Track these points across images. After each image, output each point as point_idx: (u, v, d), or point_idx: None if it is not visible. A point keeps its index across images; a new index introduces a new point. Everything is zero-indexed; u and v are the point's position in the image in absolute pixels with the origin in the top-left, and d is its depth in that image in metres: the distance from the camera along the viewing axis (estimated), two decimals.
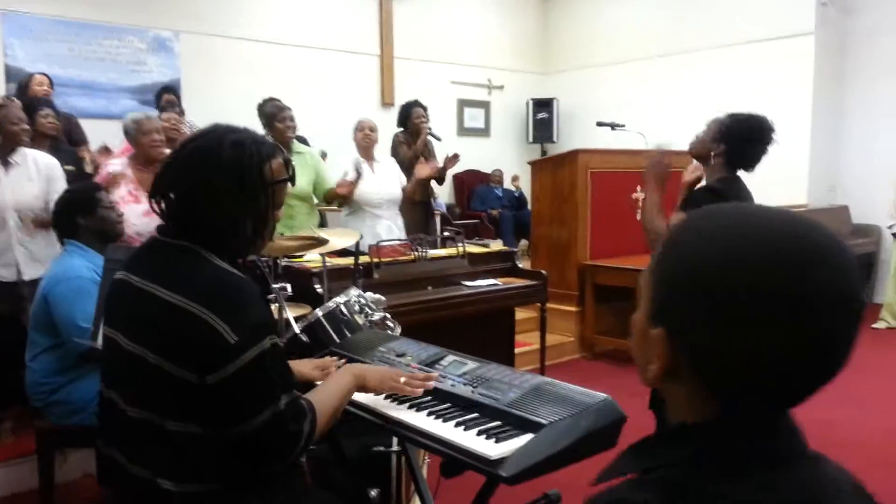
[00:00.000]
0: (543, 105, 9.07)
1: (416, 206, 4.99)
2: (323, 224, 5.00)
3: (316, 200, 4.45)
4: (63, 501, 2.81)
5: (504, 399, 1.53)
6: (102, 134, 5.09)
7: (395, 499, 2.21)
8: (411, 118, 5.02)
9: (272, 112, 4.17)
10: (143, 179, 3.39)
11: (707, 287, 0.66)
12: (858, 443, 3.52)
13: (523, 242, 7.70)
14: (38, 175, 3.36)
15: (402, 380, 1.60)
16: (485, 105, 9.06)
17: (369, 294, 2.39)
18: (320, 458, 2.06)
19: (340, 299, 2.26)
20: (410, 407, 1.60)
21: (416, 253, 3.80)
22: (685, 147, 2.80)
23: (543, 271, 4.23)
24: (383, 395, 1.66)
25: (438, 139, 5.14)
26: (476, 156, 8.69)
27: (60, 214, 2.75)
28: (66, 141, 4.47)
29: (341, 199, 4.49)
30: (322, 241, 2.80)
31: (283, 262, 3.17)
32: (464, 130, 8.85)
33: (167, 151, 3.27)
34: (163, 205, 1.44)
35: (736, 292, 0.65)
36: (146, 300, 1.36)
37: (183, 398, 1.32)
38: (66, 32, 6.05)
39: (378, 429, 1.62)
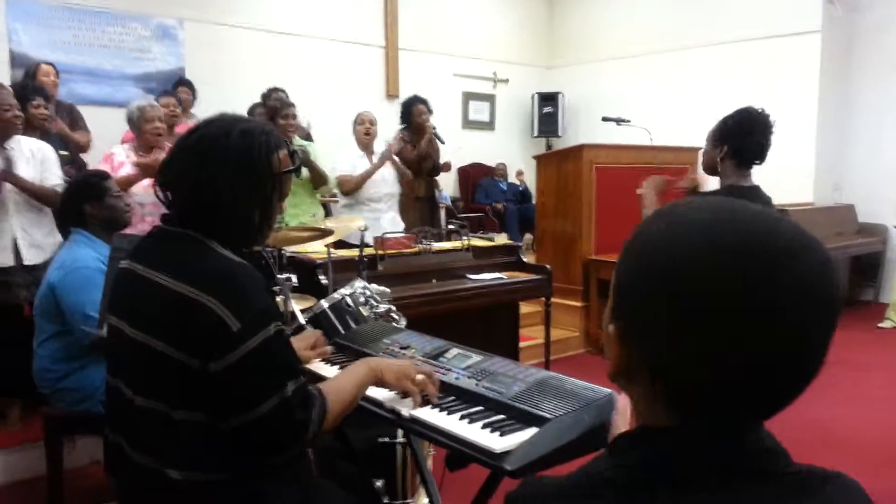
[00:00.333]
0: (549, 99, 9.05)
1: (421, 201, 4.99)
2: (327, 215, 5.01)
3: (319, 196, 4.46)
4: (71, 488, 2.82)
5: (508, 393, 1.53)
6: (106, 121, 5.10)
7: (400, 490, 2.21)
8: (413, 115, 4.99)
9: (275, 107, 4.16)
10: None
11: (664, 287, 0.62)
12: (864, 442, 3.52)
13: (528, 236, 7.70)
14: (32, 158, 3.36)
15: (419, 378, 1.59)
16: (490, 98, 9.04)
17: (374, 286, 2.40)
18: (326, 449, 2.07)
19: (345, 291, 2.26)
20: None
21: (420, 245, 3.80)
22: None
23: (548, 265, 4.23)
24: None
25: (443, 142, 5.11)
26: (480, 149, 8.68)
27: (68, 202, 2.75)
28: (63, 131, 4.43)
29: (346, 192, 4.49)
30: (328, 232, 2.80)
31: (288, 252, 3.17)
32: (468, 123, 8.83)
33: (167, 145, 3.30)
34: (168, 193, 1.44)
35: (695, 294, 0.60)
36: (151, 289, 1.36)
37: (189, 386, 1.32)
38: (71, 19, 6.04)
39: (383, 420, 1.62)
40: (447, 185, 8.06)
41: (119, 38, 6.28)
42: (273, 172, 1.43)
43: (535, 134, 9.16)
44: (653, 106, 7.76)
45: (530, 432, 1.39)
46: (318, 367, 1.86)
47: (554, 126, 9.02)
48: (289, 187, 1.51)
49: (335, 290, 2.31)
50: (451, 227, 4.54)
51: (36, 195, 3.31)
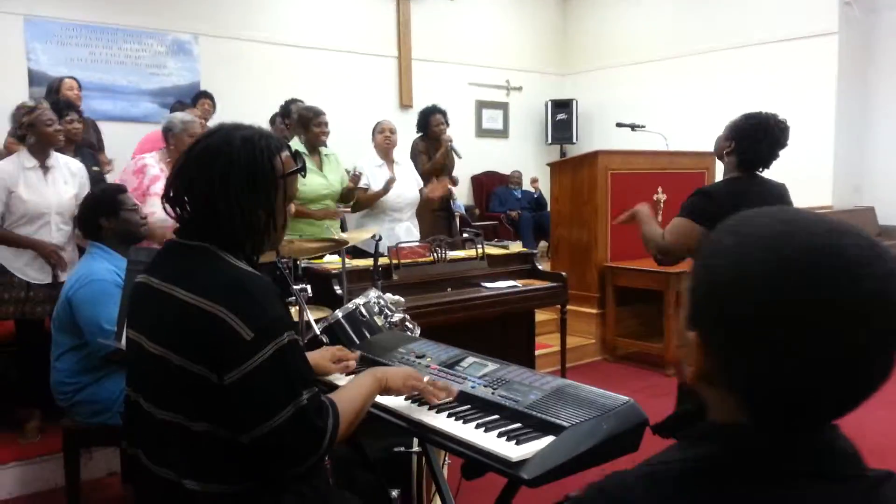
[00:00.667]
0: (562, 106, 9.03)
1: (436, 213, 4.99)
2: (343, 227, 5.01)
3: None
4: (88, 499, 2.84)
5: (525, 401, 1.52)
6: (123, 136, 5.15)
7: (416, 499, 2.20)
8: (430, 125, 5.01)
9: (307, 115, 4.17)
10: None
11: (734, 297, 0.64)
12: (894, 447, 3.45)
13: (542, 244, 7.67)
14: (72, 178, 3.43)
15: (426, 378, 1.60)
16: (503, 106, 9.04)
17: (389, 295, 2.39)
18: (342, 459, 2.06)
19: (360, 301, 2.26)
20: (431, 408, 1.60)
21: (435, 254, 3.80)
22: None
23: (563, 273, 4.21)
24: (404, 397, 1.65)
25: (459, 157, 5.11)
26: (495, 157, 8.67)
27: (84, 216, 2.78)
28: (89, 146, 4.51)
29: (364, 205, 4.46)
30: (342, 243, 2.81)
31: (303, 263, 3.19)
32: (482, 132, 8.84)
33: None
34: (177, 208, 1.45)
35: (763, 304, 0.62)
36: (166, 302, 1.37)
37: (207, 399, 1.32)
38: (87, 36, 6.12)
39: (399, 430, 1.61)
40: (461, 193, 8.06)
41: (135, 55, 6.36)
42: (277, 175, 1.44)
43: (549, 141, 9.15)
44: (668, 111, 7.72)
45: (547, 441, 1.37)
46: (334, 377, 1.86)
47: (568, 133, 9.00)
48: (294, 188, 1.52)
49: (350, 300, 2.31)
50: (465, 235, 4.53)
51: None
